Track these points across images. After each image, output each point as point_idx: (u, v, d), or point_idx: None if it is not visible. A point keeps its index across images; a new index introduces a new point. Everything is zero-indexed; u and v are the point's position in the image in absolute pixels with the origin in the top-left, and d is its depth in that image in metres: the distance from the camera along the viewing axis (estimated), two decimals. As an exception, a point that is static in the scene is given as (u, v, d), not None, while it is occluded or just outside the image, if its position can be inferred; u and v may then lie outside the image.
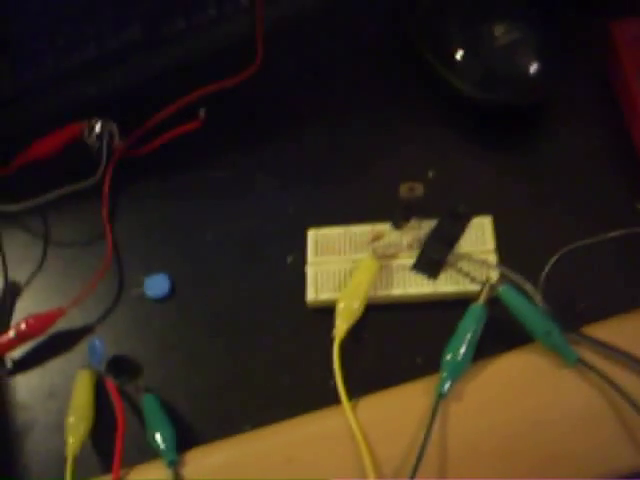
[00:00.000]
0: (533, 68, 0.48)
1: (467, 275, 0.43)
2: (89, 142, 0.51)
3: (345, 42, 0.55)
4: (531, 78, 0.48)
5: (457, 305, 0.42)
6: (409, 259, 0.44)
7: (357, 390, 0.41)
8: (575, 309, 0.42)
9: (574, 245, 0.43)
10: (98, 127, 0.51)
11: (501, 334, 0.41)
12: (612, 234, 0.42)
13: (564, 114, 0.49)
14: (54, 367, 0.45)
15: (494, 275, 0.43)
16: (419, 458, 0.37)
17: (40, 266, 0.49)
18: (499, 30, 0.48)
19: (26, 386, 0.45)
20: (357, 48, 0.55)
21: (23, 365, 0.45)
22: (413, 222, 0.45)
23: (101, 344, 0.44)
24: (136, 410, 0.43)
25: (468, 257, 0.44)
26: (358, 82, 0.53)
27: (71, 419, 0.42)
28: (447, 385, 0.39)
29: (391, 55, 0.54)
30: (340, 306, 0.42)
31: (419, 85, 0.52)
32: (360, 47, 0.55)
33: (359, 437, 0.39)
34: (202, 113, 0.51)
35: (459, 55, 0.49)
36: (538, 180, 0.47)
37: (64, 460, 0.41)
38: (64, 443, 0.41)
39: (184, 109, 0.52)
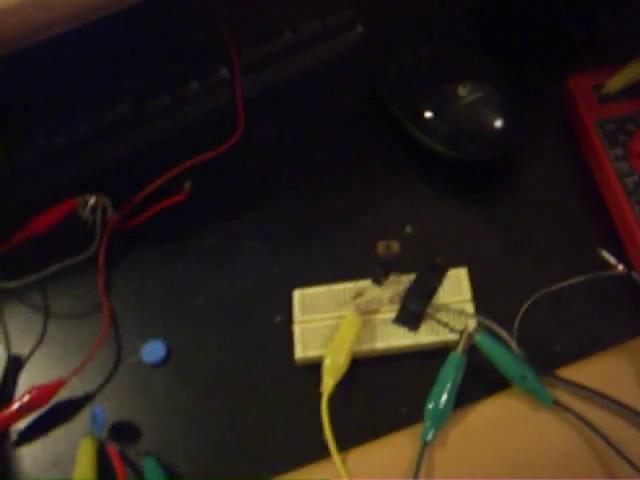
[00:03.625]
0: (497, 124, 0.51)
1: (446, 325, 0.45)
2: (84, 216, 0.53)
3: (322, 107, 0.59)
4: (495, 133, 0.51)
5: (438, 354, 0.44)
6: (391, 313, 0.47)
7: (347, 442, 0.42)
8: (549, 352, 0.44)
9: (545, 291, 0.45)
10: (92, 202, 0.53)
11: (481, 380, 0.43)
12: (579, 279, 0.44)
13: (530, 165, 0.52)
14: (57, 436, 0.47)
15: (471, 324, 0.45)
16: (408, 505, 0.39)
17: (41, 339, 0.51)
18: (463, 90, 0.51)
19: (31, 456, 0.46)
20: (334, 112, 0.58)
21: (27, 436, 0.47)
22: (393, 277, 0.48)
23: (102, 411, 0.45)
24: (138, 473, 0.44)
25: (446, 308, 0.46)
26: (335, 145, 0.56)
27: (75, 486, 0.43)
28: (431, 433, 0.41)
29: (366, 118, 0.57)
30: (327, 362, 0.44)
31: (393, 145, 0.55)
32: (337, 111, 0.58)
33: (350, 488, 0.41)
34: (187, 185, 0.54)
35: (427, 115, 0.52)
36: (509, 230, 0.50)
37: (70, 527, 0.43)
38: (69, 511, 0.43)
39: (172, 180, 0.55)
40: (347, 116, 0.58)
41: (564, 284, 0.45)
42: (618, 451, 0.39)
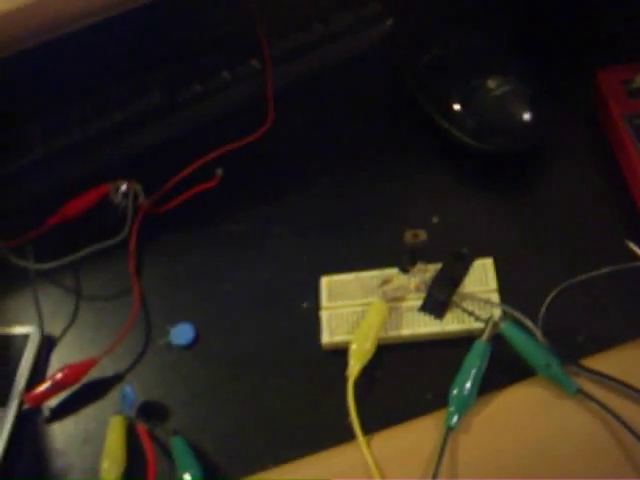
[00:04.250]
0: (525, 117, 0.51)
1: (471, 314, 0.46)
2: (115, 201, 0.55)
3: (352, 98, 0.59)
4: (524, 126, 0.51)
5: (463, 342, 0.44)
6: (417, 301, 0.47)
7: (371, 426, 0.43)
8: (574, 342, 0.44)
9: (571, 281, 0.45)
10: (124, 187, 0.54)
11: (505, 368, 0.44)
12: (605, 270, 0.45)
13: (558, 158, 0.52)
14: (88, 414, 0.48)
15: (497, 313, 0.45)
16: (431, 488, 0.40)
17: (73, 319, 0.52)
18: (492, 83, 0.52)
19: (62, 433, 0.47)
20: (363, 103, 0.59)
21: (59, 413, 0.48)
22: (419, 266, 0.48)
23: (132, 391, 0.46)
24: (166, 452, 0.45)
25: (472, 297, 0.46)
26: (364, 135, 0.57)
27: (105, 463, 0.44)
28: (455, 419, 0.41)
29: (394, 109, 0.58)
30: (353, 347, 0.45)
31: (421, 136, 0.55)
32: (366, 102, 0.59)
33: (375, 471, 0.41)
34: (219, 173, 0.55)
35: (456, 107, 0.53)
36: (535, 221, 0.50)
37: (99, 502, 0.43)
38: (99, 486, 0.44)
39: (203, 167, 0.56)
40: (376, 107, 0.58)
41: (590, 275, 0.45)
42: (641, 440, 0.39)
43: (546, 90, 0.53)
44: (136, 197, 0.54)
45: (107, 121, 0.59)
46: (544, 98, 0.52)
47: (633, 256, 0.45)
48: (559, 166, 0.52)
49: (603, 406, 0.41)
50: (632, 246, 0.45)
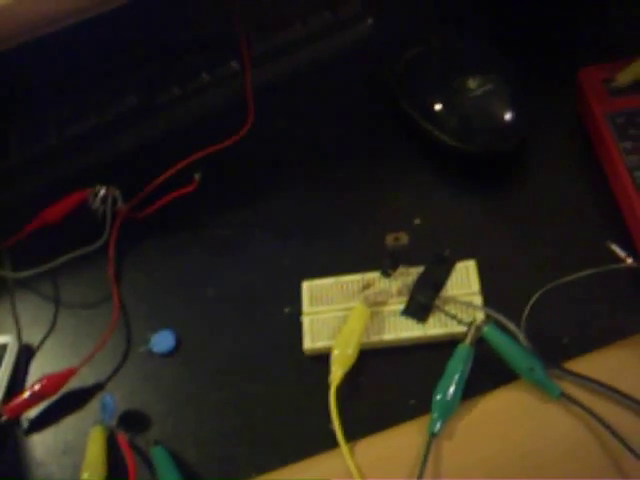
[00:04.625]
0: (506, 116, 0.51)
1: (454, 317, 0.45)
2: (94, 207, 0.54)
3: (332, 99, 0.59)
4: (505, 126, 0.51)
5: (446, 346, 0.44)
6: (399, 305, 0.47)
7: (354, 433, 0.43)
8: (557, 345, 0.44)
9: (553, 284, 0.45)
10: (102, 192, 0.54)
11: (488, 372, 0.43)
12: (588, 272, 0.44)
13: (540, 157, 0.52)
14: (68, 424, 0.47)
15: (479, 316, 0.45)
16: (415, 496, 0.39)
17: (51, 328, 0.51)
18: (473, 83, 0.51)
19: (41, 444, 0.47)
20: (343, 104, 0.58)
21: (38, 424, 0.47)
22: (401, 269, 0.48)
23: (112, 400, 0.46)
24: (147, 462, 0.44)
25: (454, 300, 0.46)
26: (345, 137, 0.56)
27: (85, 474, 0.43)
28: (438, 424, 0.41)
29: (376, 110, 0.57)
30: (335, 353, 0.45)
31: (402, 137, 0.55)
32: (346, 103, 0.58)
33: (358, 478, 0.41)
34: (197, 177, 0.54)
35: (437, 107, 0.52)
36: (518, 222, 0.50)
37: (80, 514, 0.43)
38: (79, 497, 0.43)
39: (183, 171, 0.55)
40: (357, 108, 0.58)
41: (573, 277, 0.45)
42: (625, 443, 0.39)
43: (527, 89, 0.52)
44: (115, 202, 0.54)
45: (84, 125, 0.59)
46: (526, 97, 0.52)
47: (615, 258, 0.45)
48: (541, 166, 0.52)
49: (587, 409, 0.40)
50: (614, 247, 0.45)
